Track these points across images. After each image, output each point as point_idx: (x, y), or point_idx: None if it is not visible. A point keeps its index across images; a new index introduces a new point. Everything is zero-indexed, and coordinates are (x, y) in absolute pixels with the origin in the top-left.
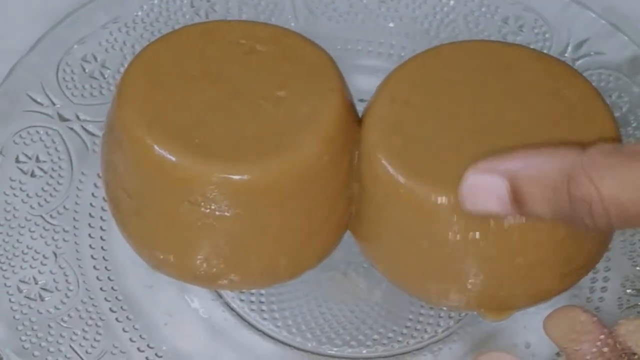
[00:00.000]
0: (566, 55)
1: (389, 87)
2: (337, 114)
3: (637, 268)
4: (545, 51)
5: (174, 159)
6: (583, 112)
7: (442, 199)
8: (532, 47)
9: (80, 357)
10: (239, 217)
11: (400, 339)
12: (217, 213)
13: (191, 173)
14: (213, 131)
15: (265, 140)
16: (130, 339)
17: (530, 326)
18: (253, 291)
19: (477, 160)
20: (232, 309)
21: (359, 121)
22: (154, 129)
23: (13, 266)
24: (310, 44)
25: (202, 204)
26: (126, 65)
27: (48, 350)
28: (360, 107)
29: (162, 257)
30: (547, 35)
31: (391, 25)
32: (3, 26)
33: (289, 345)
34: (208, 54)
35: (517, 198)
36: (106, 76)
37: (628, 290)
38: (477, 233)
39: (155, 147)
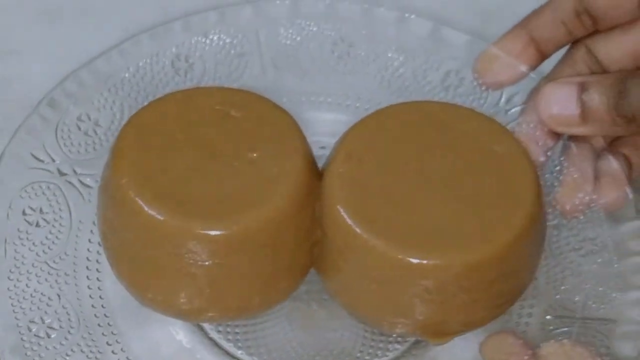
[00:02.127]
0: (499, 105)
1: (344, 145)
2: (301, 172)
3: (557, 296)
4: (481, 101)
5: (161, 218)
6: (509, 166)
7: (393, 250)
8: (470, 98)
9: None
10: (218, 266)
11: None
12: (198, 263)
13: (176, 230)
14: (194, 191)
15: (240, 198)
16: None
17: (467, 348)
18: (229, 323)
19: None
20: (211, 339)
21: (319, 175)
22: (144, 192)
23: (23, 308)
24: (277, 108)
25: (186, 255)
26: (117, 125)
27: None
28: (321, 153)
29: (150, 296)
30: (483, 87)
31: (349, 78)
32: (2, 26)
33: None
34: (189, 119)
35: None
36: (98, 133)
37: (548, 317)
38: (422, 281)
39: (146, 208)
